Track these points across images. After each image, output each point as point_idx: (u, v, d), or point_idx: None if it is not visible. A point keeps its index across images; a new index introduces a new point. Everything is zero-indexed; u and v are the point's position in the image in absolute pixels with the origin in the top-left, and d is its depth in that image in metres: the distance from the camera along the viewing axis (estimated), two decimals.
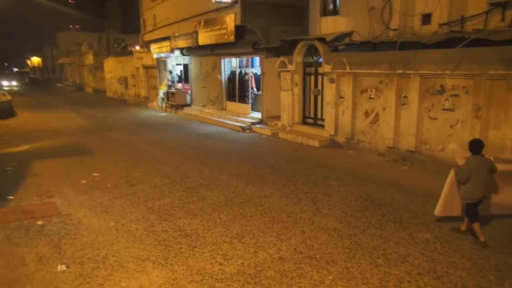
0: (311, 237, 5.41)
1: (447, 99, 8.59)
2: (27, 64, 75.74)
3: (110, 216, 6.28)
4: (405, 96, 9.43)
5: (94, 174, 8.68)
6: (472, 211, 5.25)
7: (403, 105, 9.53)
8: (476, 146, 5.20)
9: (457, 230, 5.53)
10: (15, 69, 78.05)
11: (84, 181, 8.18)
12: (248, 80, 15.73)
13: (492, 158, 5.30)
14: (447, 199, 5.58)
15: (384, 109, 9.93)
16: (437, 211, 5.70)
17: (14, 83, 52.95)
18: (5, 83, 50.72)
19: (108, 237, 5.50)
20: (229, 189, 7.58)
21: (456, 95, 8.42)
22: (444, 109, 8.64)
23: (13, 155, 10.84)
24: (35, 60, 69.69)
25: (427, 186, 7.40)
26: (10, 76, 61.40)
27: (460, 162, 5.33)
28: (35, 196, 7.28)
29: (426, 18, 9.81)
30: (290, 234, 5.52)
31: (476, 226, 5.19)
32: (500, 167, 5.30)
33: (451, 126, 8.49)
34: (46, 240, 5.44)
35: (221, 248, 5.12)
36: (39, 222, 6.03)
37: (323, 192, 7.29)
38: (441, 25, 9.44)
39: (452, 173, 5.44)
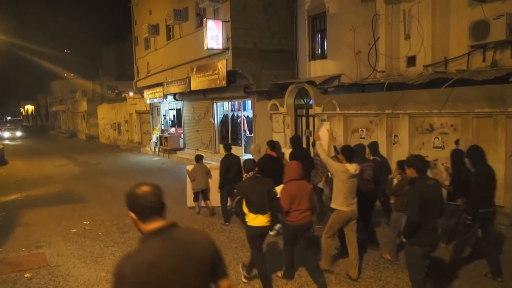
0: (308, 282, 5.26)
1: (436, 137, 8.74)
2: (21, 112, 76.21)
3: (100, 266, 6.09)
4: (396, 135, 9.58)
5: (85, 222, 8.51)
6: (196, 196, 8.86)
7: (394, 144, 9.66)
8: (197, 159, 8.88)
9: (200, 212, 8.85)
10: (9, 118, 78.34)
11: (74, 230, 8.00)
12: (240, 123, 15.91)
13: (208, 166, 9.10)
14: (190, 194, 9.19)
15: None
16: (188, 203, 9.34)
17: (18, 133, 44.03)
18: (6, 134, 42.62)
19: None
20: (223, 233, 7.45)
21: (445, 133, 8.57)
22: (435, 147, 8.76)
23: (2, 205, 10.64)
24: (30, 108, 70.25)
25: None
26: (4, 124, 59.98)
27: (190, 168, 8.86)
28: (23, 247, 7.08)
29: (411, 60, 10.17)
30: (286, 279, 5.36)
31: (208, 202, 8.77)
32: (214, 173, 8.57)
33: (442, 164, 8.57)
34: None
35: None
36: (27, 275, 5.83)
37: (319, 233, 7.17)
38: (425, 66, 9.78)
39: (188, 177, 8.95)
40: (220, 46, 13.90)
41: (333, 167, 5.31)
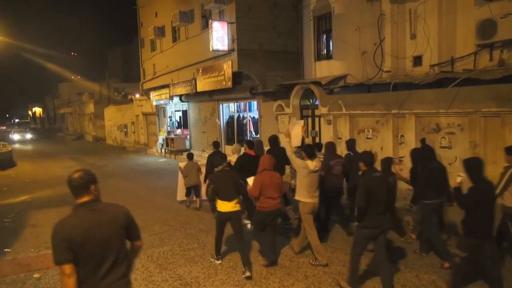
0: (314, 282, 5.27)
1: (443, 137, 8.69)
2: (28, 115, 76.90)
3: None
4: (402, 135, 9.54)
5: None
6: (189, 191, 9.49)
7: (400, 144, 9.62)
8: (189, 157, 9.66)
9: (194, 208, 9.43)
10: (17, 120, 79.09)
11: None
12: (246, 124, 15.94)
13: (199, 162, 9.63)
14: (180, 189, 9.86)
15: (382, 148, 10.00)
16: (178, 197, 9.96)
17: (28, 136, 44.09)
18: (16, 136, 42.64)
19: None
20: (230, 234, 7.45)
21: (452, 133, 8.53)
22: (442, 147, 8.71)
23: (11, 206, 10.75)
24: (37, 110, 70.88)
25: None
26: (12, 126, 60.37)
27: (182, 165, 9.53)
28: (32, 248, 7.15)
29: (417, 60, 10.12)
30: (293, 279, 5.38)
31: (199, 199, 9.43)
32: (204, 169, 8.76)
33: (449, 164, 8.51)
34: None
35: None
36: (36, 275, 5.89)
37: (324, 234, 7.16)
38: (432, 66, 9.73)
39: (179, 173, 9.63)
40: (225, 48, 13.95)
41: (295, 163, 5.97)
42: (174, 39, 19.27)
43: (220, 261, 6.05)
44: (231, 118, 17.01)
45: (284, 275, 5.53)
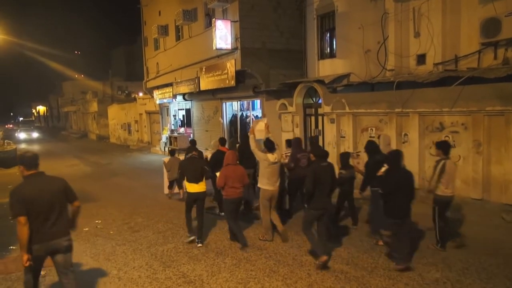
0: (317, 280, 5.29)
1: (447, 136, 8.66)
2: (33, 113, 77.17)
3: (112, 264, 6.17)
4: (405, 134, 9.52)
5: (97, 221, 8.63)
6: (171, 184, 10.45)
7: (403, 143, 9.60)
8: (172, 153, 10.87)
9: (177, 199, 10.22)
10: (21, 118, 79.35)
11: (86, 229, 8.11)
12: (249, 123, 15.94)
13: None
14: (166, 183, 10.72)
15: None
16: (165, 191, 10.82)
17: (35, 134, 44.67)
18: (22, 135, 43.24)
19: (110, 286, 5.39)
20: (227, 235, 7.47)
21: (456, 132, 8.50)
22: None
23: None
24: (41, 109, 71.15)
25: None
26: (17, 125, 60.51)
27: (166, 160, 10.49)
28: None
29: (421, 59, 10.07)
30: (296, 277, 5.39)
31: (182, 191, 9.83)
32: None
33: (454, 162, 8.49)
34: None
35: None
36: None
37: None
38: (436, 64, 9.68)
39: (164, 168, 10.58)
40: (229, 46, 13.96)
41: (258, 155, 6.76)
42: (178, 38, 19.29)
43: (193, 237, 6.84)
44: (234, 116, 17.02)
45: (288, 273, 5.55)
